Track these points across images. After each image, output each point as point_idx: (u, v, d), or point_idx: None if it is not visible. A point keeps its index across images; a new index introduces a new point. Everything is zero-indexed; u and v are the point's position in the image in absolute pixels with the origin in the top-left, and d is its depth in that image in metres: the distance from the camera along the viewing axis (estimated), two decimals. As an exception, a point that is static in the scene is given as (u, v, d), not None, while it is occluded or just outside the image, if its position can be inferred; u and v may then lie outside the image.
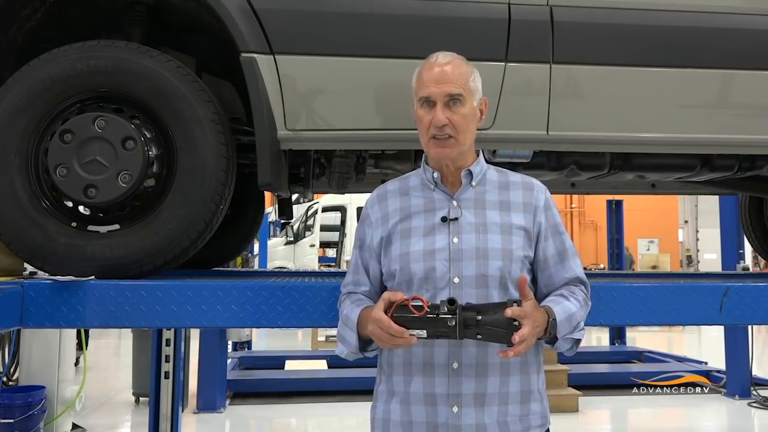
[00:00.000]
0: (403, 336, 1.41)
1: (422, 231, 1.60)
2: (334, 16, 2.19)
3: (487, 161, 1.74)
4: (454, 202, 1.62)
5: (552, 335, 1.52)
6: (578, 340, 1.58)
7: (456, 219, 1.59)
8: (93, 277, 1.98)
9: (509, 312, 1.39)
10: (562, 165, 2.69)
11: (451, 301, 1.41)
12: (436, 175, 1.65)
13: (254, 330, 9.01)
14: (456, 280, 1.54)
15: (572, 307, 1.56)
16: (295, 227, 14.16)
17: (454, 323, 1.40)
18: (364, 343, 1.61)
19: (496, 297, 1.54)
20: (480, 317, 1.41)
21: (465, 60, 1.65)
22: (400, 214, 1.65)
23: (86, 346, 5.34)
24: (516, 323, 1.40)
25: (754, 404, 6.33)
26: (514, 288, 1.57)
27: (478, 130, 1.68)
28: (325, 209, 14.06)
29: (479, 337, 1.43)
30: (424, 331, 1.42)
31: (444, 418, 1.52)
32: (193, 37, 2.60)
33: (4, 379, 4.95)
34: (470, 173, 1.65)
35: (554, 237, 1.65)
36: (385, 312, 1.44)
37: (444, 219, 1.59)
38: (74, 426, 4.98)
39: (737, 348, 6.56)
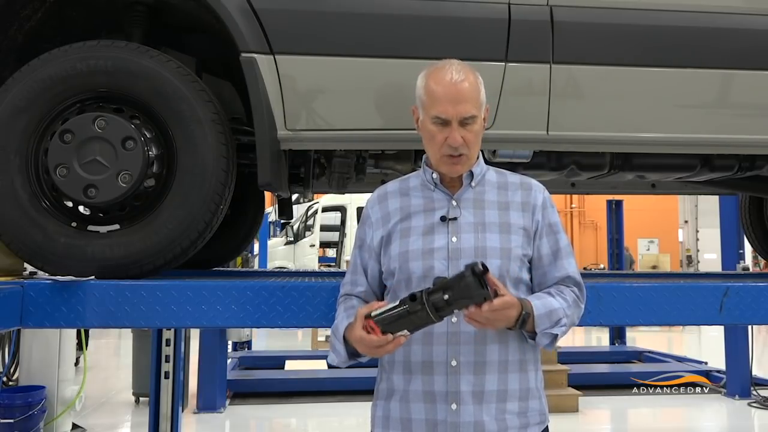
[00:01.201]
0: (390, 342, 1.43)
1: (421, 230, 1.61)
2: (334, 16, 2.19)
3: (486, 162, 1.74)
4: (454, 202, 1.63)
5: (523, 327, 1.51)
6: (557, 336, 1.56)
7: (455, 219, 1.60)
8: (93, 277, 1.98)
9: (486, 307, 1.39)
10: (562, 165, 2.69)
11: (413, 297, 1.41)
12: (435, 175, 1.65)
13: (254, 330, 9.01)
14: None
15: (554, 303, 1.55)
16: (295, 227, 14.16)
17: (426, 312, 1.40)
18: (354, 352, 1.60)
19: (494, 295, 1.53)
20: (447, 296, 1.39)
21: (472, 70, 1.62)
22: (400, 213, 1.66)
23: (86, 346, 5.34)
24: (485, 289, 1.39)
25: (754, 404, 6.33)
26: (513, 286, 1.57)
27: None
28: (325, 209, 14.06)
29: (457, 310, 1.43)
30: (405, 330, 1.43)
31: (443, 415, 1.53)
32: (193, 37, 2.60)
33: (4, 379, 4.95)
34: (471, 174, 1.65)
35: (549, 236, 1.65)
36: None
37: (443, 218, 1.60)
38: (74, 426, 4.98)
39: (737, 348, 6.56)
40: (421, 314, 1.40)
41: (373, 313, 1.44)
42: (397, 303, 1.43)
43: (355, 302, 1.68)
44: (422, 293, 1.40)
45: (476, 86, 1.60)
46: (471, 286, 1.37)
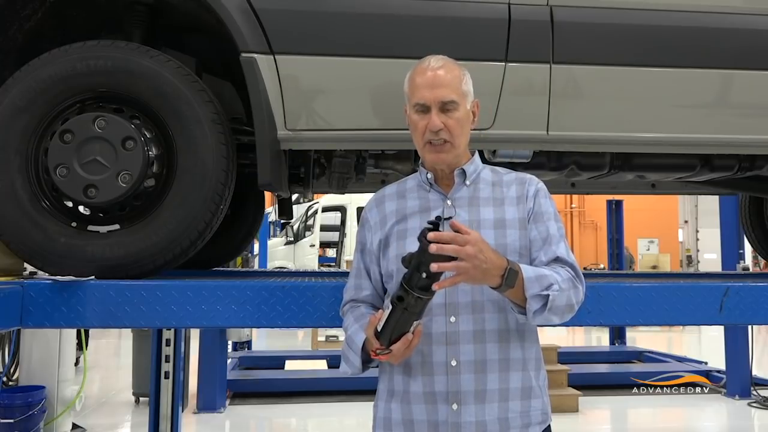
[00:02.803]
0: (410, 340, 1.45)
1: (417, 232, 1.60)
2: (334, 16, 2.19)
3: (484, 161, 1.73)
4: (448, 202, 1.63)
5: (511, 286, 1.43)
6: (548, 299, 1.46)
7: (450, 218, 1.59)
8: (93, 277, 1.98)
9: (432, 236, 1.36)
10: (562, 165, 2.69)
11: (400, 298, 1.41)
12: (429, 175, 1.66)
13: (254, 330, 9.00)
14: None
15: (546, 271, 1.50)
16: (295, 227, 14.15)
17: (419, 299, 1.40)
18: (366, 361, 1.61)
19: (492, 292, 1.53)
20: (425, 273, 1.38)
21: (456, 63, 1.65)
22: (396, 216, 1.66)
23: (86, 346, 5.35)
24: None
25: (754, 404, 6.33)
26: None
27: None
28: (325, 209, 14.06)
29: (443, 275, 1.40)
30: (414, 321, 1.44)
31: (444, 416, 1.52)
32: (193, 37, 2.60)
33: (4, 379, 4.94)
34: (463, 172, 1.65)
35: (538, 223, 1.62)
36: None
37: (438, 218, 1.59)
38: (74, 426, 4.98)
39: (737, 348, 6.56)
40: (417, 303, 1.41)
41: (378, 328, 1.46)
42: (390, 309, 1.44)
43: (363, 309, 1.68)
44: (405, 289, 1.40)
45: (456, 75, 1.61)
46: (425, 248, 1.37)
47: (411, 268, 1.41)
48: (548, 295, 1.46)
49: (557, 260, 1.58)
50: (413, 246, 1.56)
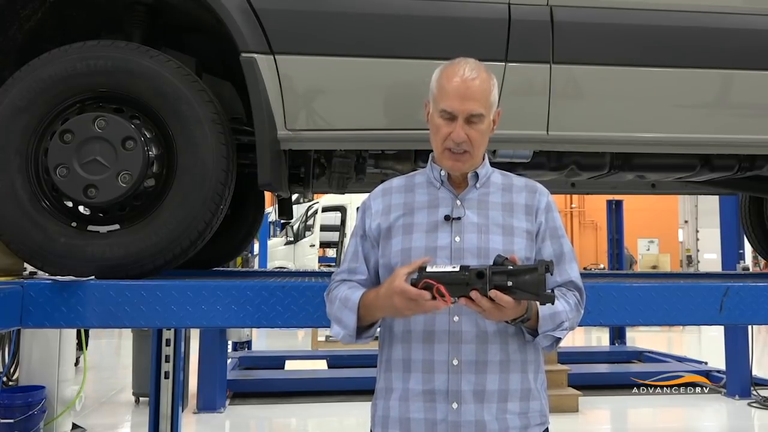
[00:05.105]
0: (437, 306, 1.39)
1: (424, 227, 1.61)
2: (334, 16, 2.19)
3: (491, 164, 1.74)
4: (458, 202, 1.63)
5: (527, 323, 1.51)
6: (558, 339, 1.57)
7: (459, 218, 1.60)
8: (93, 277, 1.98)
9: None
10: (562, 165, 2.69)
11: (479, 274, 1.36)
12: (443, 173, 1.65)
13: (254, 330, 9.01)
14: None
15: (558, 306, 1.55)
16: (295, 227, 14.15)
17: (483, 291, 1.36)
18: (360, 328, 1.59)
19: None
20: (510, 282, 1.36)
21: (487, 71, 1.63)
22: (403, 208, 1.65)
23: (86, 346, 5.35)
24: (550, 290, 1.36)
25: (754, 404, 6.34)
26: None
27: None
28: (325, 209, 14.05)
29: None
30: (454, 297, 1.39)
31: (443, 414, 1.53)
32: (193, 37, 2.60)
33: (4, 379, 4.94)
34: (477, 175, 1.66)
35: (552, 240, 1.65)
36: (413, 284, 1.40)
37: (447, 217, 1.60)
38: (74, 426, 4.98)
39: (737, 348, 6.57)
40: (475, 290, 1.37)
41: (428, 269, 1.40)
42: (457, 269, 1.38)
43: (357, 284, 1.65)
44: (488, 271, 1.36)
45: (488, 86, 1.60)
46: (539, 282, 1.35)
47: (503, 270, 1.37)
48: (559, 338, 1.56)
49: (569, 283, 1.63)
50: (420, 241, 1.59)
